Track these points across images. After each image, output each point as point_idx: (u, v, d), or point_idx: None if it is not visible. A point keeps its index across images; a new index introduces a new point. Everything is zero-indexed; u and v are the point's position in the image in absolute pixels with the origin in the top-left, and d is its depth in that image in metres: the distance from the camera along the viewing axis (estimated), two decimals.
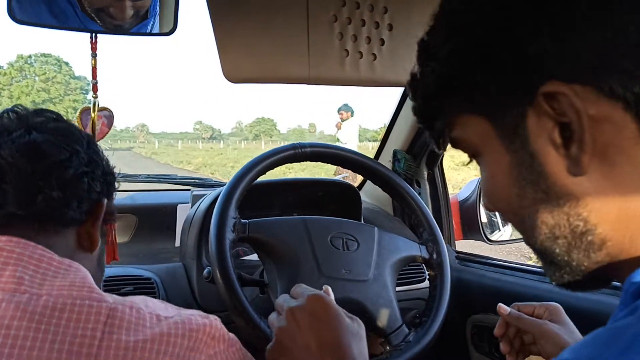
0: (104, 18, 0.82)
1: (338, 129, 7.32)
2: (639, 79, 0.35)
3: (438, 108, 0.46)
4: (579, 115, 0.36)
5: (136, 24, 0.86)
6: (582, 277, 0.42)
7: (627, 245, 0.39)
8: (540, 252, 0.44)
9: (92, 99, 0.87)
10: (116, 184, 0.71)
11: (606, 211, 0.38)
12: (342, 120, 7.30)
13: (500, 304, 0.85)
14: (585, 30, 0.36)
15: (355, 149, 7.37)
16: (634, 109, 0.36)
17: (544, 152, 0.39)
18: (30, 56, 54.80)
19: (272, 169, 1.09)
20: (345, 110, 7.27)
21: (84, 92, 56.14)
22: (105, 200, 0.65)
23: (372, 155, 1.64)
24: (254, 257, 1.31)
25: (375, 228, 1.10)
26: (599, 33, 0.36)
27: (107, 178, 0.67)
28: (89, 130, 0.93)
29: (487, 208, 0.48)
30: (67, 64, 55.86)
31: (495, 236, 1.50)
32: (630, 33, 0.35)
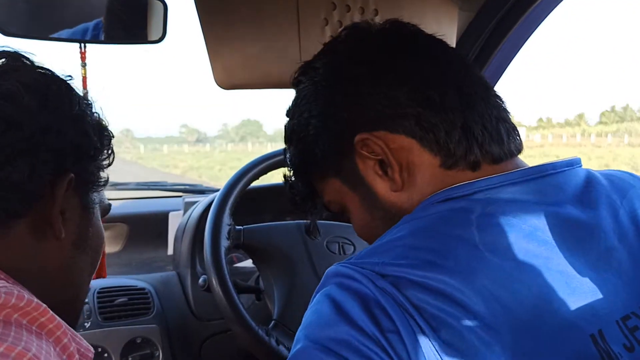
0: (101, 23, 0.80)
1: None
2: (405, 119, 0.54)
3: (307, 187, 0.64)
4: (383, 149, 0.54)
5: (127, 33, 0.85)
6: None
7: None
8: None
9: None
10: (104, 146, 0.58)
11: (408, 207, 0.55)
12: None
13: None
14: (370, 101, 0.55)
15: None
16: (412, 135, 0.54)
17: (374, 182, 0.56)
18: None
19: (265, 173, 1.09)
20: None
21: None
22: (71, 175, 0.52)
23: None
24: (248, 263, 1.30)
25: None
26: (377, 101, 0.55)
27: (77, 144, 0.53)
28: None
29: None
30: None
31: None
32: (394, 99, 0.55)
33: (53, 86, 0.53)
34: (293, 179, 0.66)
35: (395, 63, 0.57)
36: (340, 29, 0.92)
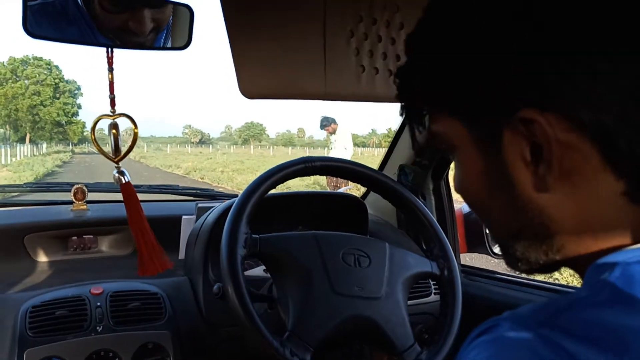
0: (124, 36, 0.80)
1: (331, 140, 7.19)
2: (602, 112, 0.38)
3: (421, 101, 0.49)
4: (549, 142, 0.39)
5: (153, 39, 0.85)
6: (538, 268, 0.46)
7: (583, 252, 0.42)
8: (501, 245, 0.49)
9: (111, 115, 0.84)
10: None
11: (566, 224, 0.42)
12: (330, 133, 7.19)
13: None
14: (563, 68, 0.38)
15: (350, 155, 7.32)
16: (599, 141, 0.38)
17: (515, 165, 0.42)
18: (23, 58, 54.18)
19: (283, 182, 1.09)
20: (333, 123, 7.14)
21: (73, 95, 55.69)
22: None
23: (374, 165, 1.64)
24: (259, 271, 1.29)
25: (387, 244, 1.09)
26: (576, 72, 0.38)
27: None
28: (111, 146, 0.90)
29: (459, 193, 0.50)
30: (57, 67, 55.32)
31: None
32: (602, 76, 0.38)
33: None
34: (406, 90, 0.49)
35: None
36: (365, 41, 0.92)
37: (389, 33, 0.90)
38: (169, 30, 0.89)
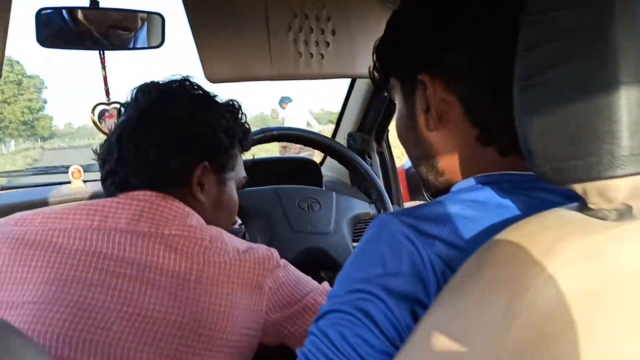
0: (110, 40, 1.03)
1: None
2: (465, 82, 0.60)
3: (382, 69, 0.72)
4: (431, 98, 0.62)
5: (133, 40, 1.09)
6: (436, 191, 0.68)
7: (457, 177, 0.64)
8: (416, 171, 0.71)
9: (107, 102, 1.08)
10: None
11: (444, 154, 0.65)
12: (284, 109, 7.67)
13: None
14: (441, 48, 0.62)
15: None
16: (462, 100, 0.61)
17: (418, 112, 0.65)
18: None
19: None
20: (286, 102, 7.62)
21: (37, 90, 54.51)
22: (205, 164, 0.87)
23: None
24: (235, 225, 1.55)
25: (334, 192, 1.35)
26: (450, 53, 0.61)
27: (211, 144, 0.88)
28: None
29: None
30: (18, 62, 53.95)
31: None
32: (467, 55, 0.60)
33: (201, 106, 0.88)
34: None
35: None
36: (300, 33, 1.17)
37: (319, 25, 1.15)
38: (145, 33, 1.13)
